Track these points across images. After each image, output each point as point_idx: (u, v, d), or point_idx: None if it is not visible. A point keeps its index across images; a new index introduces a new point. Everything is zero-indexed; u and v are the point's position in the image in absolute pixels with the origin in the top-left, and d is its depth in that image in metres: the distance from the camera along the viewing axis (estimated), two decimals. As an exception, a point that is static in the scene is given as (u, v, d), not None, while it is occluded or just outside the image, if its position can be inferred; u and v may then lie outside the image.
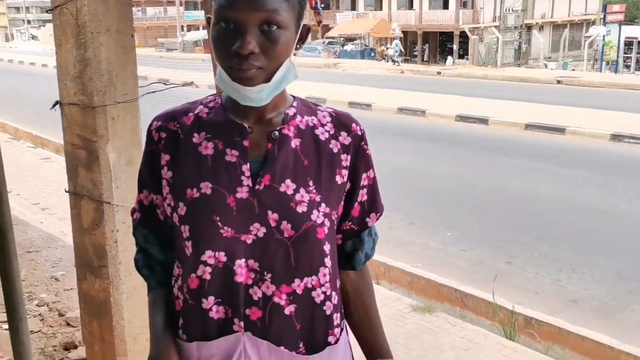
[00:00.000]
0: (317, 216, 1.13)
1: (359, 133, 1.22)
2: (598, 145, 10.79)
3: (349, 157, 1.19)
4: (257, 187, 1.11)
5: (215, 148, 1.13)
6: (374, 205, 1.26)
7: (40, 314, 3.69)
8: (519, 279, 5.22)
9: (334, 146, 1.18)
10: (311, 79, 21.43)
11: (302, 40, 1.14)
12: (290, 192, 1.12)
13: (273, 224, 1.11)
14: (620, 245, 5.89)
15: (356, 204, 1.23)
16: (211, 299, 1.13)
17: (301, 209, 1.12)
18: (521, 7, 30.09)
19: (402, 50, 29.85)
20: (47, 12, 2.75)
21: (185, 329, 1.17)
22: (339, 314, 1.24)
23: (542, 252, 5.76)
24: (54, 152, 10.21)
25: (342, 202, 1.21)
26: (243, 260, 1.11)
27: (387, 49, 29.90)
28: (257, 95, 1.08)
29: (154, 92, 2.88)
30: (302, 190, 1.13)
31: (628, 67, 27.09)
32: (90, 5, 2.55)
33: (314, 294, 1.16)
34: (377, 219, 1.28)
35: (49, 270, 4.46)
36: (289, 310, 1.14)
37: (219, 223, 1.10)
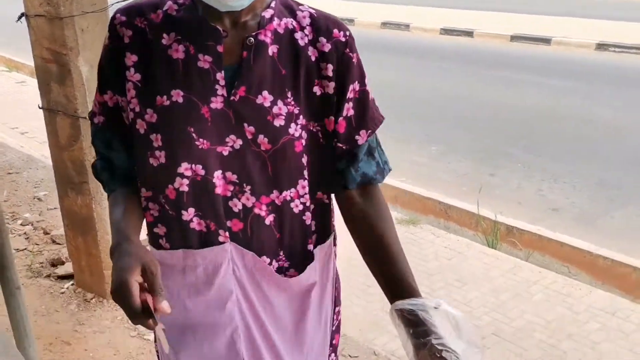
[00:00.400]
0: (294, 129, 1.08)
1: (342, 39, 1.11)
2: (584, 54, 10.68)
3: (329, 65, 1.09)
4: (232, 97, 1.05)
5: (187, 52, 1.04)
6: (363, 120, 1.16)
7: (25, 233, 3.69)
8: (502, 189, 5.28)
9: (312, 54, 1.08)
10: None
11: None
12: (267, 104, 1.06)
13: (249, 137, 1.06)
14: (603, 154, 5.94)
15: (340, 118, 1.13)
16: (191, 210, 1.09)
17: (278, 122, 1.06)
18: None
19: None
20: None
21: (168, 238, 1.13)
22: (319, 224, 1.20)
23: (526, 163, 5.80)
24: (30, 75, 9.91)
25: (332, 117, 1.12)
26: (220, 172, 1.08)
27: None
28: (238, 2, 0.99)
29: (123, 0, 2.74)
30: (279, 103, 1.06)
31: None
32: None
33: (292, 204, 1.13)
34: (369, 136, 1.17)
35: (31, 191, 4.43)
36: (268, 220, 1.12)
37: (194, 134, 1.04)
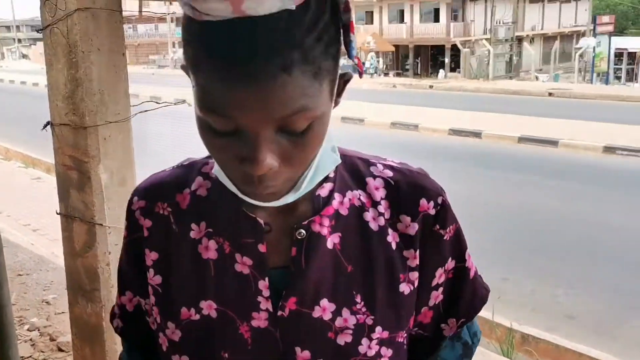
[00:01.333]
0: (367, 347, 0.78)
1: (432, 212, 0.80)
2: (591, 157, 10.83)
3: (416, 252, 0.80)
4: (279, 312, 0.77)
5: (220, 251, 0.79)
6: (455, 307, 0.85)
7: (31, 339, 3.62)
8: (516, 295, 5.18)
9: (392, 239, 0.79)
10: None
11: (340, 95, 0.73)
12: (327, 316, 0.77)
13: None
14: (617, 258, 5.88)
15: (424, 308, 0.84)
16: None
17: (344, 339, 0.77)
18: (511, 20, 30.44)
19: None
20: (37, 31, 2.72)
21: None
22: None
23: (539, 267, 5.74)
24: (45, 171, 10.15)
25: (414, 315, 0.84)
26: None
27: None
28: (277, 204, 0.74)
29: (146, 110, 2.84)
30: (344, 312, 0.77)
31: (619, 78, 27.38)
32: (81, 24, 2.52)
33: None
34: (460, 327, 0.87)
35: (40, 294, 4.39)
36: None
37: None
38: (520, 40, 32.82)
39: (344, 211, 0.79)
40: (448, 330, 0.86)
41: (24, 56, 58.23)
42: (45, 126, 2.77)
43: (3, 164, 10.41)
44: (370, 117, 14.85)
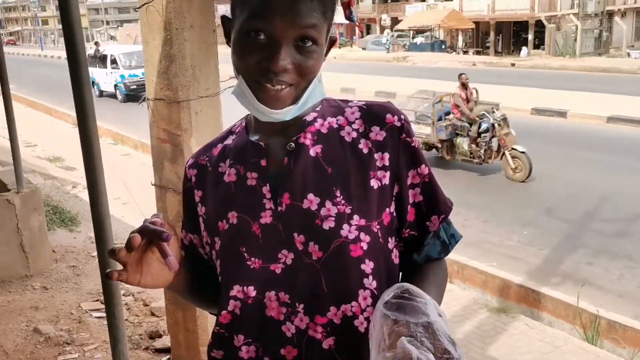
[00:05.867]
0: (347, 231, 0.98)
1: (397, 124, 1.03)
2: None
3: (385, 154, 1.02)
4: (279, 208, 0.99)
5: (238, 174, 1.04)
6: (433, 205, 1.07)
7: (126, 304, 3.84)
8: (601, 280, 4.99)
9: (364, 146, 1.02)
10: (379, 72, 21.35)
11: (327, 53, 1.02)
12: (314, 207, 0.98)
13: (300, 248, 0.98)
14: None
15: (408, 206, 1.04)
16: (241, 337, 1.03)
17: (328, 224, 0.97)
18: (602, -7, 28.72)
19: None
20: (135, 10, 2.84)
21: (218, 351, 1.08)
22: None
23: (627, 253, 5.48)
24: (133, 148, 10.62)
25: (393, 208, 1.03)
26: (273, 292, 1.00)
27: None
28: (281, 116, 0.97)
29: (232, 87, 2.93)
30: (327, 203, 0.98)
31: None
32: (175, 2, 2.61)
33: (356, 322, 0.99)
34: (442, 221, 1.08)
35: (134, 262, 4.63)
36: (327, 344, 0.99)
37: (246, 254, 1.01)
38: (610, 14, 30.95)
39: (324, 130, 1.04)
40: (432, 226, 1.07)
41: (112, 37, 60.77)
42: (141, 101, 2.92)
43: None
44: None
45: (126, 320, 3.53)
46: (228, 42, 1.00)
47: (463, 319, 4.20)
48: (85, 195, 2.18)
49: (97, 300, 3.89)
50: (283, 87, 0.94)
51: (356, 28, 37.25)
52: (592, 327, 4.08)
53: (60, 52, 31.88)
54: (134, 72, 16.62)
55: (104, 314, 2.53)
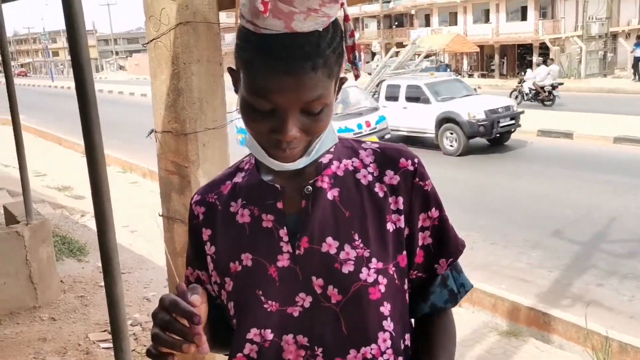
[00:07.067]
0: (367, 274, 0.99)
1: (410, 168, 1.05)
2: None
3: (400, 198, 1.04)
4: (297, 252, 1.00)
5: (252, 215, 1.04)
6: (442, 248, 1.08)
7: (134, 334, 3.85)
8: (612, 301, 4.96)
9: (379, 189, 1.04)
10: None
11: (337, 94, 1.03)
12: (333, 251, 1.00)
13: (319, 291, 0.99)
14: None
15: (418, 249, 1.07)
16: None
17: (347, 268, 0.99)
18: (605, 15, 28.88)
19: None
20: (143, 45, 2.92)
21: None
22: None
23: (637, 274, 5.45)
24: (142, 176, 10.70)
25: (404, 251, 1.05)
26: (291, 336, 1.00)
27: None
28: (293, 167, 0.98)
29: (239, 118, 2.97)
30: (346, 247, 1.00)
31: None
32: (183, 37, 2.68)
33: None
34: (450, 264, 1.09)
35: (141, 291, 4.65)
36: None
37: (262, 297, 1.01)
38: (615, 35, 31.09)
39: (340, 173, 1.05)
40: (440, 269, 1.09)
41: (121, 67, 61.58)
42: (149, 133, 2.98)
43: (103, 169, 11.04)
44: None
45: (133, 350, 3.54)
46: (236, 91, 1.00)
47: (473, 343, 4.18)
48: (93, 224, 2.23)
49: (105, 330, 3.90)
50: (294, 148, 0.95)
51: (361, 52, 37.60)
52: (603, 350, 4.04)
53: (70, 82, 32.38)
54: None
55: (112, 345, 2.55)
